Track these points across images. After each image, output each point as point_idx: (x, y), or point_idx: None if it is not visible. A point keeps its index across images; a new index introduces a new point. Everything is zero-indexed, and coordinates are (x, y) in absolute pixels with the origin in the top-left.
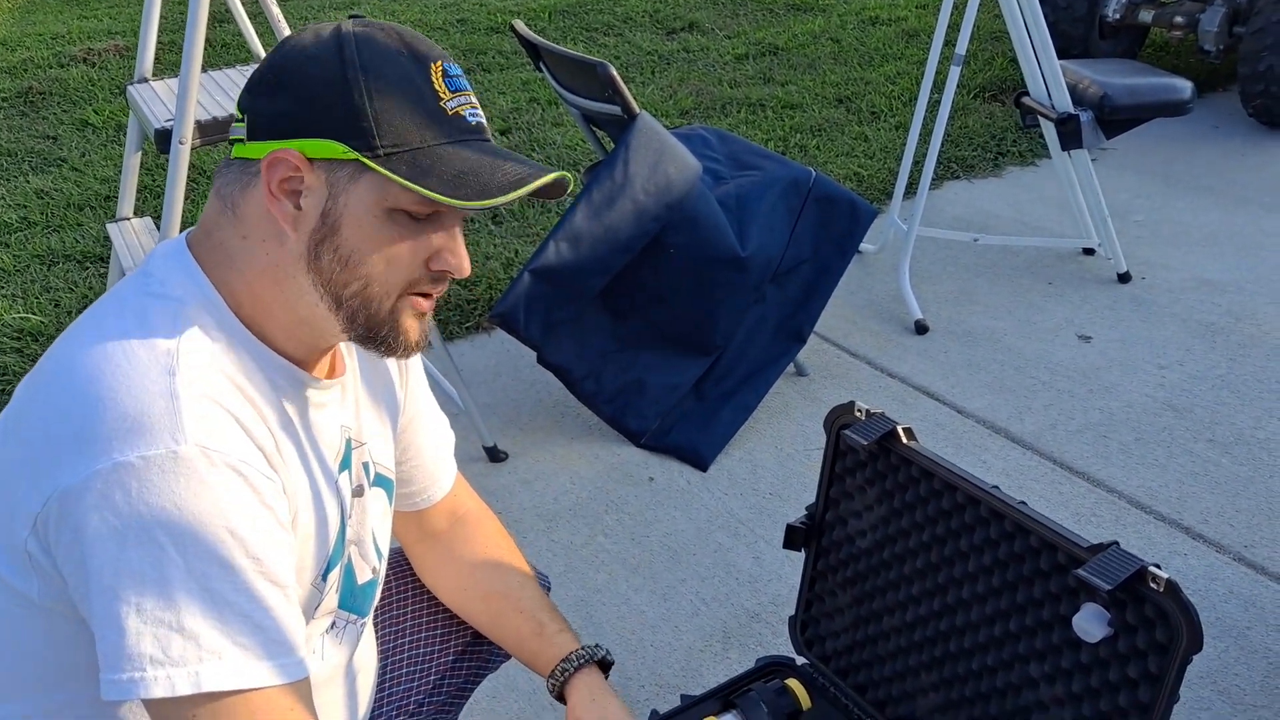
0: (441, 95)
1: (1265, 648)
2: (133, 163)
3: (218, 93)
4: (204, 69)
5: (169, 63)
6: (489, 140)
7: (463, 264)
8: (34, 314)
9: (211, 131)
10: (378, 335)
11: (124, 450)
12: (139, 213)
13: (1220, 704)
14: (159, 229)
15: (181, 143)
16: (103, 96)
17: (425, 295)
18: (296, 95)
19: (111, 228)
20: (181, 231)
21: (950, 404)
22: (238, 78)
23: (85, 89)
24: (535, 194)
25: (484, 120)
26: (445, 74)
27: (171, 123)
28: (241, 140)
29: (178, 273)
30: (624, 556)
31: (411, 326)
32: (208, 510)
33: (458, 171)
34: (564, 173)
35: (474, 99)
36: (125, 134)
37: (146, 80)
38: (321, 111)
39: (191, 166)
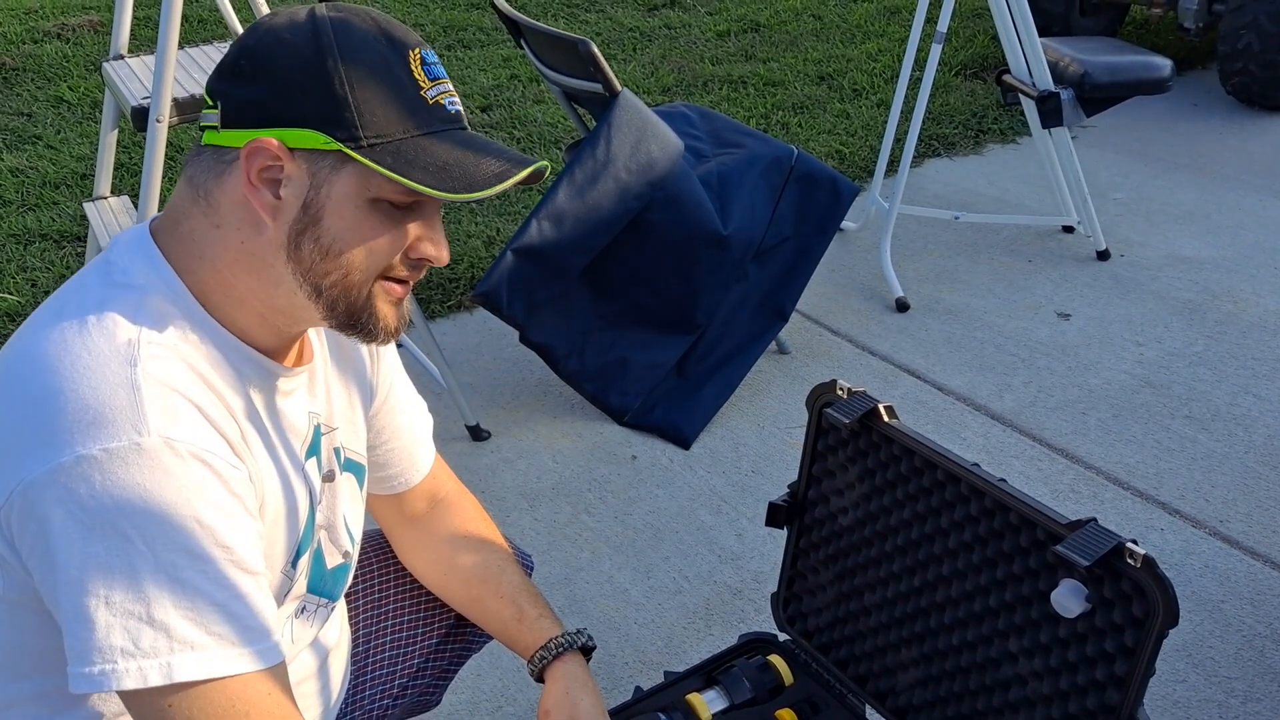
0: (421, 84)
1: (1239, 621)
2: (109, 140)
3: (195, 70)
4: (181, 45)
5: (144, 39)
6: (466, 128)
7: (441, 253)
8: (10, 294)
9: (189, 109)
10: (357, 322)
11: (86, 443)
12: (116, 191)
13: (1195, 676)
14: (137, 208)
15: (159, 121)
16: (77, 73)
17: (401, 281)
18: (274, 83)
19: (89, 206)
20: (160, 208)
21: (931, 381)
22: (215, 55)
23: (60, 65)
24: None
25: (461, 108)
26: (423, 61)
27: (148, 100)
28: (214, 127)
29: (140, 262)
30: (607, 534)
31: (389, 312)
32: (174, 500)
33: (443, 163)
34: (545, 163)
35: (451, 86)
36: (101, 111)
37: (122, 57)
38: (301, 100)
39: (169, 145)
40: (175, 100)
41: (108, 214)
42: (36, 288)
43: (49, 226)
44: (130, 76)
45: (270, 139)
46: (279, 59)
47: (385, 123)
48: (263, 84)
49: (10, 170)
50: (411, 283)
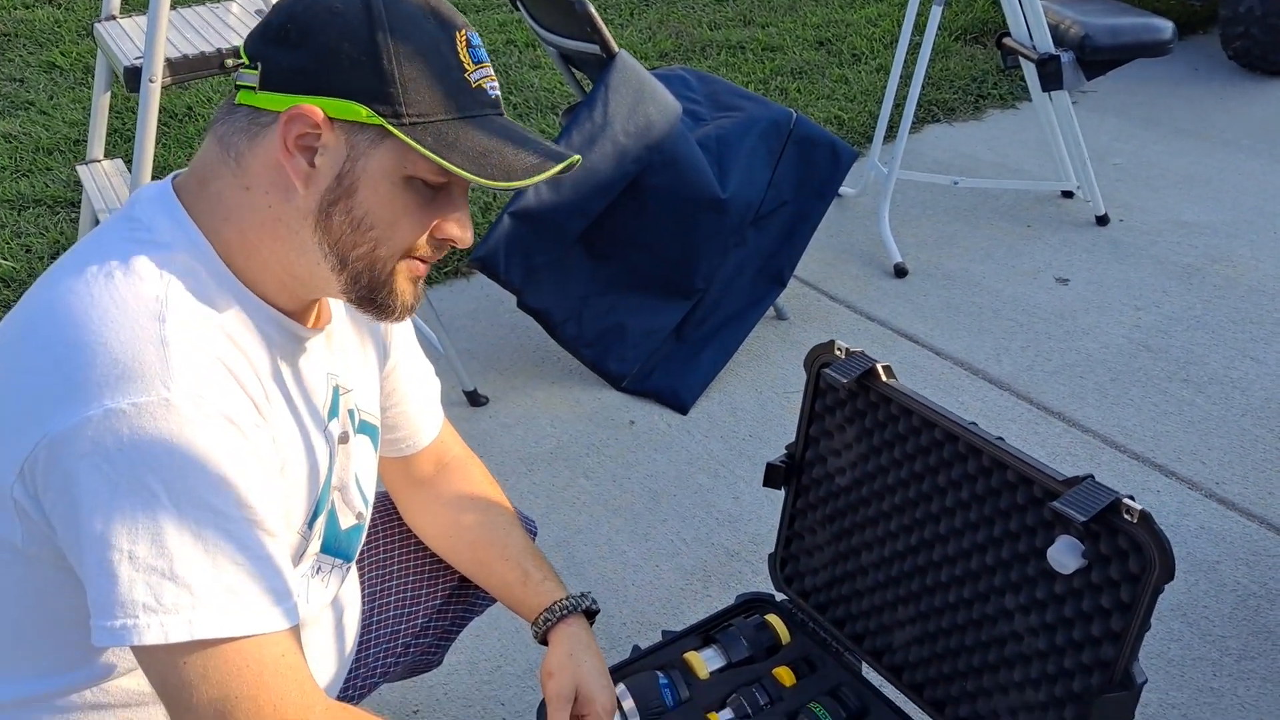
0: (466, 66)
1: (1234, 581)
2: (102, 103)
3: (188, 30)
4: (173, 5)
5: (136, 4)
6: (503, 114)
7: (467, 234)
8: (5, 259)
9: (182, 70)
10: (375, 298)
11: (115, 397)
12: (109, 155)
13: (1189, 635)
14: (130, 171)
15: (151, 81)
16: (69, 38)
17: (423, 260)
18: (320, 51)
19: (82, 170)
20: (154, 172)
21: (929, 346)
22: (209, 15)
23: (51, 30)
24: None
25: (499, 94)
26: (469, 44)
27: (141, 60)
28: (251, 88)
29: (165, 219)
30: (605, 498)
31: (407, 290)
32: (200, 458)
33: (482, 149)
34: (578, 157)
35: (491, 70)
36: (94, 76)
37: (114, 18)
38: (347, 72)
39: (162, 110)
40: (168, 60)
41: (101, 177)
42: (31, 253)
43: (42, 192)
44: (122, 36)
45: (313, 106)
46: (329, 29)
47: (429, 102)
48: (309, 51)
49: (3, 136)
50: (431, 262)
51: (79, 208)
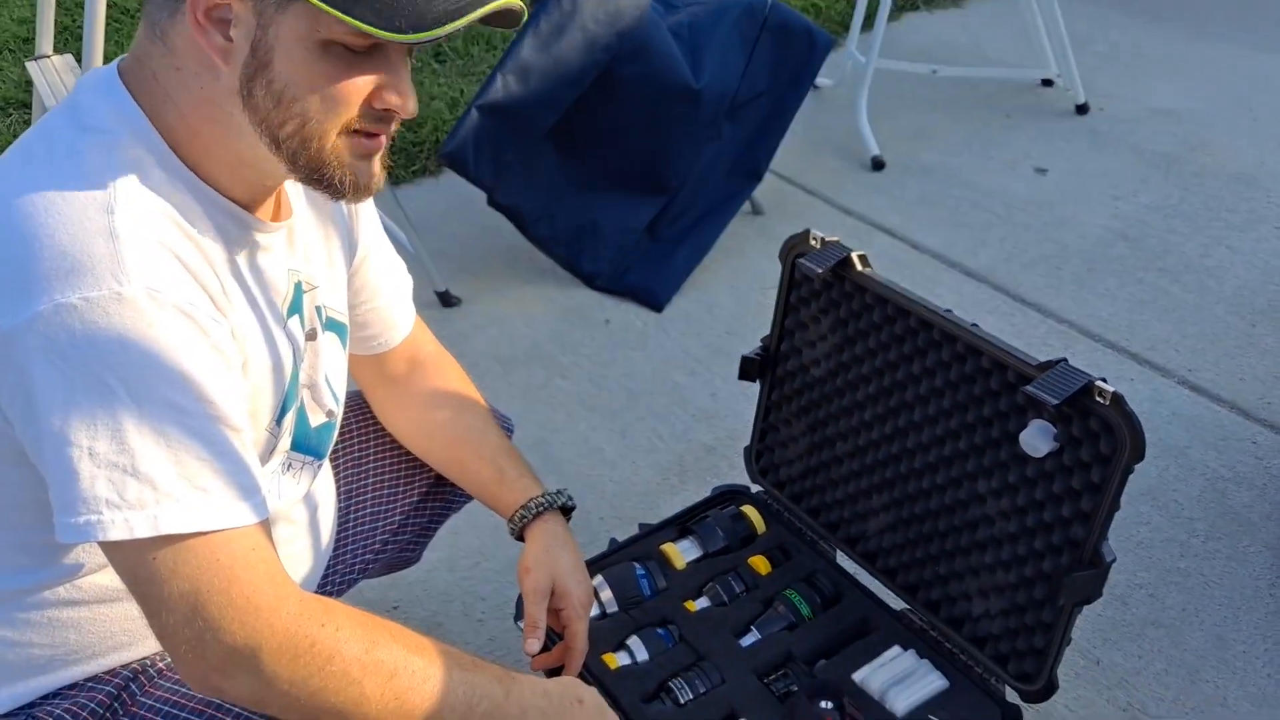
0: None
1: (1203, 465)
2: None
3: None
4: None
5: None
6: None
7: (407, 103)
8: None
9: None
10: (322, 177)
11: (65, 291)
12: (59, 52)
13: (1158, 518)
14: (80, 66)
15: None
16: None
17: (371, 135)
18: None
19: (31, 66)
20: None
21: (906, 239)
22: None
23: None
24: (485, 22)
25: None
26: None
27: None
28: None
29: (108, 104)
30: (582, 397)
31: (358, 167)
32: (157, 352)
33: (393, 1)
34: (515, 1)
35: None
36: None
37: None
38: None
39: (113, 5)
40: None
41: (52, 74)
42: None
43: None
44: None
45: None
46: None
47: None
48: None
49: None
50: (383, 137)
51: (30, 109)
